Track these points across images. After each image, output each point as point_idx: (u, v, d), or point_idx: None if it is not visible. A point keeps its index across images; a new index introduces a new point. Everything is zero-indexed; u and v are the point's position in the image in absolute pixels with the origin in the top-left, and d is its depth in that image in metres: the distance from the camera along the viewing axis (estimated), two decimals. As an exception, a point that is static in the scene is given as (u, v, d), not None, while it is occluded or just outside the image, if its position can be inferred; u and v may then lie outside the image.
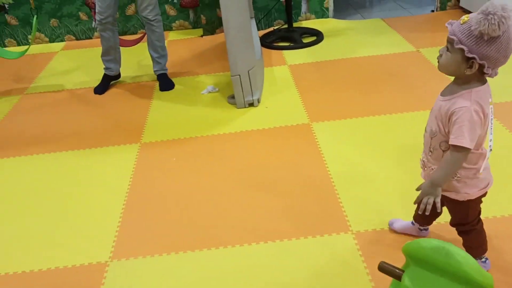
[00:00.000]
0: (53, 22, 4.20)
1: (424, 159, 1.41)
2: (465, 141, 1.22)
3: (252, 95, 2.83)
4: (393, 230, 1.78)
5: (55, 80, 3.50)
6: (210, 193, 2.13)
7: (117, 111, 2.98)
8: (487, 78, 1.26)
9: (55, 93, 3.31)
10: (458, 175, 1.33)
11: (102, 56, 3.22)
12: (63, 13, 4.17)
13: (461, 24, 1.18)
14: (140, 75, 3.46)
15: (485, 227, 1.52)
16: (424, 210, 1.33)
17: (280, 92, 3.01)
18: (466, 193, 1.36)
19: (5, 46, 4.23)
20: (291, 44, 3.71)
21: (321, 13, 4.16)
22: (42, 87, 3.41)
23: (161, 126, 2.75)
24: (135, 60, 3.68)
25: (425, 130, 1.39)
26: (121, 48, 3.26)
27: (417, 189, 1.38)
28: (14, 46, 4.24)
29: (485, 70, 1.19)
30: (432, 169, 1.38)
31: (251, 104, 2.85)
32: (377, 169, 2.17)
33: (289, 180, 2.16)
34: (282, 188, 2.11)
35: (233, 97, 2.91)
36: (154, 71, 3.29)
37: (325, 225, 1.86)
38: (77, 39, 4.30)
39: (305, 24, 4.09)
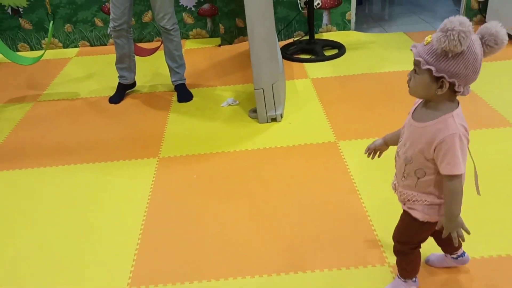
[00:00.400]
0: (68, 27, 4.11)
1: (395, 182, 1.38)
2: (462, 167, 1.20)
3: (275, 110, 2.71)
4: (431, 265, 1.65)
5: (69, 88, 3.40)
6: (233, 215, 2.00)
7: (133, 123, 2.87)
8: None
9: (69, 101, 3.20)
10: (428, 201, 1.30)
11: (116, 63, 3.11)
12: (78, 19, 4.08)
13: (425, 45, 1.16)
14: (156, 84, 3.35)
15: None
16: (458, 241, 1.29)
17: (303, 107, 2.89)
18: (428, 215, 1.32)
19: (18, 51, 4.14)
20: (313, 57, 3.59)
21: (343, 25, 4.05)
22: (55, 94, 3.30)
23: (179, 139, 2.63)
24: (151, 69, 3.57)
25: (397, 155, 1.34)
26: (136, 56, 3.16)
27: (438, 228, 1.32)
28: (27, 50, 4.15)
29: (456, 88, 1.16)
30: (404, 193, 1.34)
31: (274, 119, 2.73)
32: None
33: (317, 203, 2.03)
34: (311, 212, 1.98)
35: (255, 111, 2.79)
36: (172, 81, 3.18)
37: (359, 256, 1.73)
38: (91, 45, 4.20)
39: (326, 36, 3.98)
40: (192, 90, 3.18)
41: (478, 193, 1.36)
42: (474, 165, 1.33)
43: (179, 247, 1.85)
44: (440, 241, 1.52)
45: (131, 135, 2.72)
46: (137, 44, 3.30)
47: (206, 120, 2.83)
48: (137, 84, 3.26)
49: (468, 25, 1.09)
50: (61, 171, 2.41)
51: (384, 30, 4.17)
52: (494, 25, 1.15)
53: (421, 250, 1.46)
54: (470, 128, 1.23)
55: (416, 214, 1.33)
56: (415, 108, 1.29)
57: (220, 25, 3.97)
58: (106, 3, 4.03)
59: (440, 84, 1.16)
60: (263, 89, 2.65)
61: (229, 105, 2.99)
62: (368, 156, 1.51)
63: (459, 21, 1.09)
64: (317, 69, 3.41)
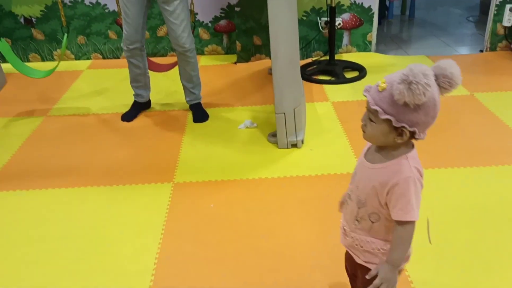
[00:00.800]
0: (81, 39, 4.01)
1: (346, 227, 1.28)
2: (416, 214, 1.13)
3: (296, 136, 2.58)
4: None
5: (80, 103, 3.28)
6: (252, 252, 1.86)
7: (146, 143, 2.74)
8: None
9: (80, 117, 3.08)
10: (384, 250, 1.21)
11: (131, 82, 2.99)
12: (91, 31, 3.98)
13: (380, 91, 1.08)
14: (170, 102, 3.23)
15: None
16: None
17: (325, 133, 2.76)
18: None
19: (29, 61, 4.04)
20: (333, 79, 3.47)
21: (363, 47, 3.94)
22: (66, 109, 3.19)
23: (195, 164, 2.50)
24: (165, 85, 3.46)
25: (349, 197, 1.25)
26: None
27: (370, 276, 1.20)
28: (38, 61, 4.06)
29: (416, 136, 1.11)
30: (356, 239, 1.24)
31: (294, 145, 2.60)
32: (451, 237, 1.90)
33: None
34: (338, 254, 1.84)
35: (274, 135, 2.66)
36: (187, 100, 3.06)
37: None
38: (104, 58, 4.10)
39: (346, 57, 3.86)
40: (207, 110, 3.05)
41: (430, 241, 1.27)
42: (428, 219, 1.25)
43: (195, 285, 1.71)
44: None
45: (144, 157, 2.59)
46: (150, 58, 3.19)
47: (223, 143, 2.70)
48: (152, 101, 3.14)
49: (431, 75, 1.04)
50: (70, 193, 2.28)
51: (405, 52, 4.05)
52: (449, 66, 1.08)
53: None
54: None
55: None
56: (368, 148, 1.22)
57: (237, 42, 3.87)
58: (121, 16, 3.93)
59: (400, 132, 1.10)
60: (284, 113, 2.52)
61: (247, 127, 2.86)
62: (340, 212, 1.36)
63: (422, 72, 1.02)
64: (337, 92, 3.29)
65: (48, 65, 3.86)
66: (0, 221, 2.10)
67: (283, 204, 2.15)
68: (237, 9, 3.75)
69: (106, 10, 3.92)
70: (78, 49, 4.06)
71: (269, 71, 3.66)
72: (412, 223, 1.14)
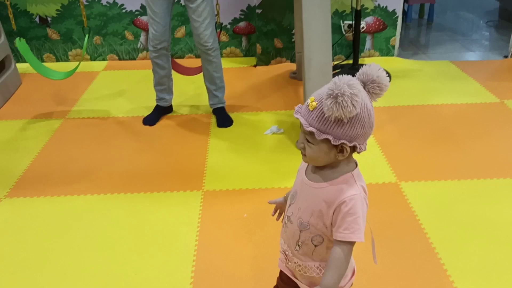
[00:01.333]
0: (97, 39, 3.93)
1: (287, 252, 1.19)
2: (361, 236, 1.06)
3: (327, 143, 2.50)
4: None
5: (99, 105, 3.19)
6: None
7: (171, 149, 2.65)
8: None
9: (100, 120, 3.00)
10: None
11: (155, 85, 2.91)
12: (108, 31, 3.90)
13: (311, 110, 1.02)
14: (194, 105, 3.15)
15: None
16: None
17: (355, 140, 2.67)
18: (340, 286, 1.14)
19: (44, 61, 3.95)
20: (357, 84, 3.39)
21: (386, 51, 3.86)
22: (85, 111, 3.10)
23: (223, 171, 2.42)
24: (188, 89, 3.37)
25: (289, 220, 1.16)
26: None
27: None
28: (53, 61, 3.97)
29: (357, 150, 1.06)
30: (299, 265, 1.16)
31: (325, 153, 2.51)
32: (498, 252, 1.82)
33: (384, 254, 1.81)
34: (380, 272, 1.76)
35: (303, 142, 2.58)
36: (210, 104, 2.98)
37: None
38: (120, 59, 4.02)
39: (369, 61, 3.78)
40: (230, 114, 2.97)
41: (375, 261, 1.21)
42: (371, 231, 1.18)
43: (237, 304, 1.63)
44: None
45: (169, 163, 2.51)
46: (177, 61, 3.10)
47: (250, 150, 2.62)
48: (174, 104, 3.05)
49: (356, 84, 0.99)
50: (93, 200, 2.20)
51: (427, 57, 3.96)
52: (374, 70, 1.04)
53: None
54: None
55: None
56: (307, 166, 1.14)
57: (257, 44, 3.78)
58: (139, 17, 3.85)
59: (340, 149, 1.04)
60: (316, 120, 2.43)
61: (273, 133, 2.78)
62: (278, 219, 1.32)
63: (347, 83, 0.98)
64: (363, 98, 3.20)
65: (62, 65, 3.78)
66: (22, 229, 2.02)
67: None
68: (258, 11, 3.67)
69: (123, 10, 3.84)
70: (94, 50, 3.97)
71: (291, 75, 3.58)
72: (352, 244, 1.07)
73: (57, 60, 3.98)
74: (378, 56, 3.88)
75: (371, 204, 2.09)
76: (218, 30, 2.74)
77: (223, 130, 2.84)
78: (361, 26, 3.51)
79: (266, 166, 2.46)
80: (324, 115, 1.00)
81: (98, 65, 3.92)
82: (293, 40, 3.72)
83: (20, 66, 3.65)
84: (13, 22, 3.04)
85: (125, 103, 3.23)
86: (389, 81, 1.05)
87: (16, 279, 1.75)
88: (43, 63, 3.12)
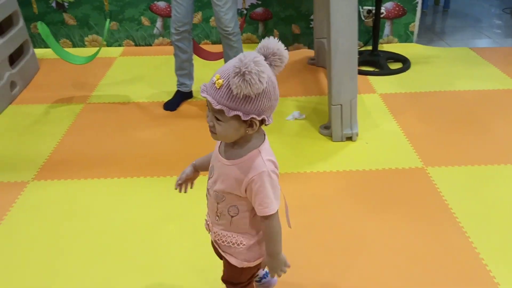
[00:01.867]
0: (113, 25, 3.91)
1: (209, 222, 1.29)
2: (275, 206, 1.14)
3: (351, 128, 2.49)
4: None
5: (118, 90, 3.19)
6: (316, 248, 1.78)
7: (192, 133, 2.65)
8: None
9: (120, 104, 2.99)
10: (244, 244, 1.22)
11: (176, 70, 2.91)
12: (125, 17, 3.88)
13: (218, 88, 1.03)
14: (212, 91, 3.13)
15: None
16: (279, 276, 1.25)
17: (378, 126, 2.66)
18: (246, 260, 1.25)
19: (60, 47, 3.94)
20: (377, 70, 3.37)
21: (405, 37, 3.83)
22: (105, 96, 3.10)
23: (247, 155, 2.42)
24: (206, 75, 3.35)
25: (208, 192, 1.23)
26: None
27: (263, 268, 1.28)
28: (69, 47, 3.96)
29: (266, 123, 1.09)
30: (218, 234, 1.24)
31: (349, 138, 2.51)
32: None
33: (418, 245, 1.80)
34: (413, 255, 1.76)
35: (327, 127, 2.57)
36: (230, 89, 2.97)
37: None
38: (136, 45, 4.00)
39: (387, 47, 3.75)
40: (251, 100, 2.96)
41: (289, 225, 1.29)
42: (285, 197, 1.26)
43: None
44: None
45: (191, 147, 2.51)
46: (199, 45, 3.09)
47: (272, 135, 2.57)
48: (194, 89, 3.04)
49: (261, 60, 1.01)
50: (115, 184, 2.21)
51: (446, 44, 3.93)
52: (273, 43, 1.08)
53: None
54: None
55: (234, 261, 1.25)
56: (221, 142, 1.19)
57: (275, 30, 3.76)
58: (155, 2, 3.83)
59: (249, 123, 1.07)
60: (341, 105, 2.43)
61: (295, 119, 2.77)
62: (180, 191, 1.36)
63: (253, 60, 0.99)
64: (383, 84, 3.19)
65: (79, 51, 3.77)
66: (49, 211, 2.03)
67: (342, 199, 2.07)
68: (276, -4, 3.65)
69: (140, -5, 3.82)
70: (110, 36, 3.96)
71: (309, 61, 3.56)
72: (274, 215, 1.15)
73: (74, 46, 3.97)
74: (397, 42, 3.85)
75: (399, 188, 2.11)
76: (243, 17, 2.72)
77: (245, 115, 2.83)
78: (381, 11, 3.48)
79: (289, 150, 2.46)
80: (232, 92, 1.01)
81: (114, 50, 3.91)
82: (311, 26, 3.70)
83: (37, 52, 3.64)
84: (34, 6, 3.03)
85: (145, 88, 3.22)
86: (288, 54, 1.10)
87: (42, 260, 1.77)
88: (64, 49, 3.10)
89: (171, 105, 2.91)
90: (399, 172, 2.24)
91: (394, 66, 3.42)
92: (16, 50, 3.19)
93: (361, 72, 3.35)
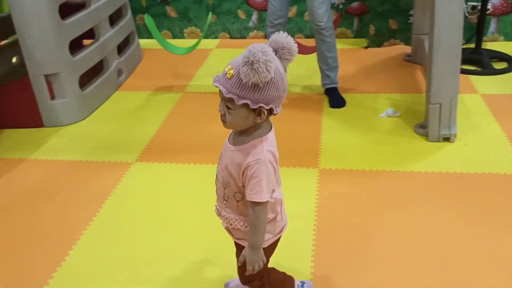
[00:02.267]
0: (211, 17, 4.05)
1: (218, 207, 1.33)
2: (264, 196, 1.17)
3: (450, 129, 2.40)
4: None
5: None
6: (411, 248, 1.75)
7: (284, 126, 2.68)
8: None
9: (216, 95, 3.08)
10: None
11: None
12: (222, 9, 4.01)
13: (229, 78, 1.10)
14: (305, 85, 3.16)
15: None
16: (252, 271, 1.27)
17: (478, 128, 2.53)
18: None
19: (161, 38, 4.16)
20: (479, 69, 3.19)
21: (512, 36, 3.59)
22: (201, 86, 3.24)
23: (338, 150, 2.42)
24: (298, 69, 3.39)
25: (217, 178, 1.29)
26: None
27: (240, 263, 1.28)
28: (169, 38, 4.16)
29: (274, 112, 1.16)
30: (226, 217, 1.29)
31: (447, 139, 2.41)
32: None
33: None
34: (506, 270, 1.67)
35: (423, 126, 2.49)
36: (323, 84, 2.97)
37: None
38: (231, 37, 4.12)
39: (491, 46, 3.53)
40: (344, 95, 2.94)
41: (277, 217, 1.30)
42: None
43: (352, 279, 1.63)
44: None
45: (284, 139, 2.53)
46: (297, 40, 3.12)
47: (365, 131, 2.58)
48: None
49: (270, 51, 1.08)
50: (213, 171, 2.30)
51: (559, 44, 3.62)
52: (282, 37, 1.14)
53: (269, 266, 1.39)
54: None
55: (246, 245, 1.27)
56: (232, 131, 1.25)
57: (371, 25, 3.69)
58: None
59: (258, 112, 1.14)
60: (440, 104, 2.34)
61: (389, 116, 2.71)
62: None
63: (261, 50, 1.06)
64: (486, 84, 3.02)
65: (178, 42, 3.95)
66: (150, 191, 2.17)
67: (440, 201, 2.00)
68: (374, -9, 3.57)
69: (238, -11, 3.92)
70: (207, 28, 4.11)
71: (406, 58, 3.45)
72: (262, 204, 1.18)
73: (173, 37, 4.18)
74: (502, 40, 3.61)
75: (497, 194, 2.00)
76: (339, 12, 2.71)
77: (336, 110, 2.83)
78: (487, 8, 3.29)
79: (383, 148, 2.42)
80: (242, 81, 1.08)
81: (210, 42, 4.05)
82: (409, 21, 3.58)
83: (141, 42, 3.88)
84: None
85: (239, 80, 3.31)
86: (297, 48, 1.16)
87: (143, 238, 1.90)
88: (166, 40, 3.28)
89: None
90: (499, 178, 2.13)
91: (499, 65, 3.22)
92: (123, 40, 3.42)
93: (462, 71, 3.19)
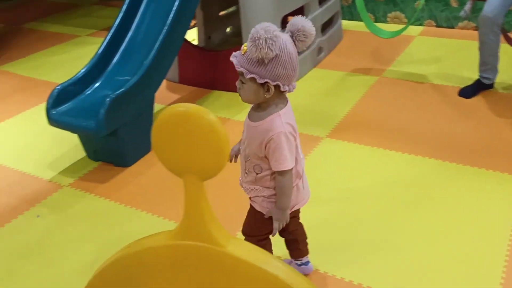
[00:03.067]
0: (417, 4, 3.88)
1: (240, 179, 1.41)
2: (289, 164, 1.27)
3: None
4: None
5: (413, 68, 3.19)
6: None
7: (487, 124, 2.48)
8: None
9: (414, 83, 3.00)
10: (264, 195, 1.36)
11: (480, 66, 2.73)
12: (433, -5, 3.80)
13: (243, 54, 1.21)
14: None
15: None
16: (277, 228, 1.36)
17: None
18: (267, 208, 1.37)
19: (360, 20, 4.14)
20: None
21: None
22: (400, 73, 3.15)
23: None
24: (510, 63, 3.06)
25: (240, 153, 1.39)
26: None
27: (267, 216, 1.37)
28: (372, 21, 4.12)
29: (282, 89, 1.23)
30: (247, 188, 1.38)
31: None
32: None
33: None
34: None
35: None
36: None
37: None
38: (437, 25, 3.90)
39: None
40: None
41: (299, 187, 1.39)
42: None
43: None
44: (288, 246, 1.58)
45: (484, 138, 2.35)
46: (509, 36, 2.84)
47: None
48: (496, 80, 2.82)
49: (273, 30, 1.15)
50: (402, 159, 2.24)
51: None
52: (299, 20, 1.21)
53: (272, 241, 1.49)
54: None
55: (258, 207, 1.38)
56: (251, 108, 1.32)
57: None
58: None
59: (266, 88, 1.22)
60: None
61: None
62: (230, 161, 1.41)
63: (264, 28, 1.14)
64: None
65: (379, 26, 3.88)
66: (336, 169, 2.22)
67: None
68: None
69: (455, -25, 3.67)
70: (412, 14, 3.95)
71: None
72: (288, 172, 1.28)
73: (375, 21, 4.12)
74: None
75: None
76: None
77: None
78: None
79: None
80: (248, 56, 1.18)
81: (414, 29, 3.89)
82: None
83: (343, 23, 3.92)
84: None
85: (441, 70, 3.14)
86: (314, 31, 1.22)
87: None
88: (372, 22, 3.25)
89: (467, 92, 2.77)
90: None
91: None
92: (327, 20, 3.50)
93: None
